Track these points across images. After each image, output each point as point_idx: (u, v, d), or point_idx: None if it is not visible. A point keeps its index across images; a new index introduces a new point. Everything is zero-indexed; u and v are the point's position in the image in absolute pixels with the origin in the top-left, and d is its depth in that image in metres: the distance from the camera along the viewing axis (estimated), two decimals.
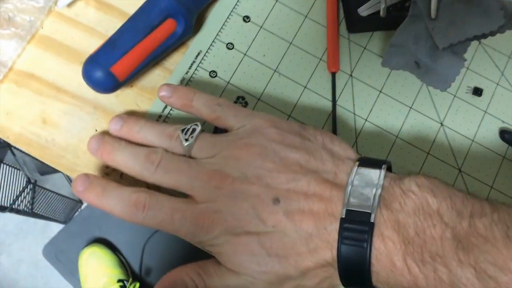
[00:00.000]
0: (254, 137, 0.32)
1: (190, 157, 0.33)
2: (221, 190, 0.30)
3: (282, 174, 0.30)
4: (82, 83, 0.38)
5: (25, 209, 1.24)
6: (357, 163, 0.31)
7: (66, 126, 0.38)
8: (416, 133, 0.40)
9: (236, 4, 0.41)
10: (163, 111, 0.38)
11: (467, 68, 0.41)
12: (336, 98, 0.40)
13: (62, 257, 1.38)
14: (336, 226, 0.28)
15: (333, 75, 0.40)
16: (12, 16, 0.39)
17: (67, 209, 1.44)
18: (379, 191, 0.28)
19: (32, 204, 1.27)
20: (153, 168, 0.32)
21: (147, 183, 0.33)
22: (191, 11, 0.38)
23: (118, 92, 0.38)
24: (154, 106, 0.38)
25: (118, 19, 0.40)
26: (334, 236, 0.28)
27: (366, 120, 0.40)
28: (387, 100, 0.40)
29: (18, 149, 1.22)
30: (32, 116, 0.38)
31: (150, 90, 0.39)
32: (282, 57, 0.40)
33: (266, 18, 0.41)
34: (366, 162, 0.31)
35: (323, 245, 0.28)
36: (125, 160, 0.33)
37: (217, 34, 0.40)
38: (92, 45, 0.39)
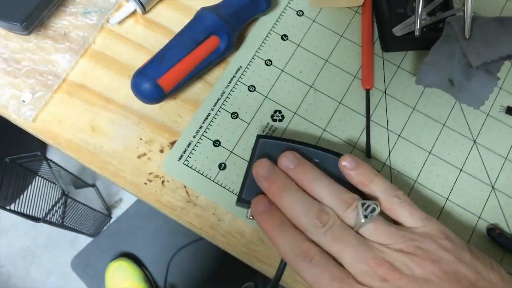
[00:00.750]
0: (427, 243, 0.31)
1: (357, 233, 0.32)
2: (387, 282, 0.29)
3: (452, 286, 0.29)
4: (129, 94, 0.40)
5: (57, 220, 1.28)
6: None
7: (113, 134, 0.40)
8: (449, 149, 0.40)
9: (275, 24, 0.43)
10: (203, 122, 0.40)
11: (500, 88, 0.42)
12: (370, 114, 0.41)
13: (89, 270, 1.41)
14: None
15: (367, 92, 0.41)
16: (68, 32, 0.42)
17: (97, 223, 1.47)
18: None
19: (63, 216, 1.31)
20: (322, 230, 0.31)
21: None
22: (234, 29, 0.40)
23: (162, 103, 0.41)
24: (195, 117, 0.40)
25: (165, 36, 0.43)
26: None
27: (399, 136, 0.41)
28: (420, 117, 0.41)
29: (54, 162, 1.27)
30: (82, 124, 0.40)
31: (192, 102, 0.41)
32: (318, 74, 0.42)
33: (303, 37, 0.43)
34: None
35: None
36: (293, 205, 0.33)
37: (256, 51, 0.43)
38: (140, 59, 0.41)
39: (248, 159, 0.39)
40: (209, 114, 0.40)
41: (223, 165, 0.39)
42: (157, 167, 0.39)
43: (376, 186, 0.34)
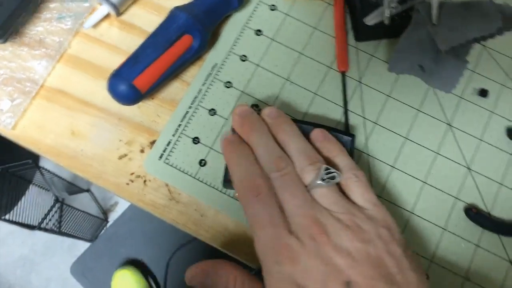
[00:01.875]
0: (367, 224, 0.31)
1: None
2: (314, 241, 0.30)
3: (370, 268, 0.29)
4: (106, 97, 0.41)
5: (53, 227, 1.28)
6: None
7: (93, 137, 0.41)
8: (425, 134, 0.41)
9: (248, 19, 0.44)
10: (182, 120, 0.41)
11: (473, 71, 0.43)
12: (347, 101, 0.42)
13: (89, 274, 1.41)
14: None
15: (343, 75, 0.42)
16: (43, 38, 0.43)
17: (94, 228, 1.47)
18: None
19: (59, 222, 1.31)
20: (276, 174, 0.32)
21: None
22: (207, 27, 0.41)
23: (140, 104, 0.41)
24: (173, 116, 0.41)
25: (140, 37, 0.43)
26: None
27: (375, 123, 0.41)
28: (396, 103, 0.42)
29: (46, 170, 1.27)
30: (62, 129, 0.41)
31: (169, 101, 0.42)
32: (293, 67, 0.43)
33: (277, 31, 0.44)
34: None
35: None
36: (259, 145, 0.34)
37: (231, 48, 0.43)
38: (116, 62, 0.42)
39: None
40: (187, 112, 0.41)
41: (203, 161, 0.40)
42: (138, 167, 0.40)
43: (339, 160, 0.35)
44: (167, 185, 0.40)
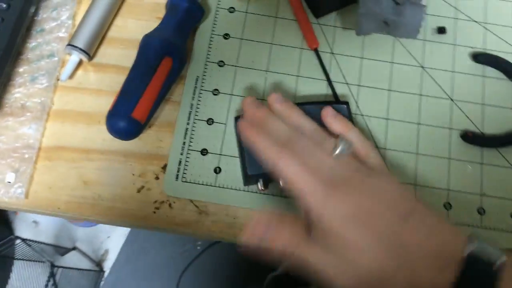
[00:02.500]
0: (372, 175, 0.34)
1: None
2: (331, 197, 0.31)
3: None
4: (105, 138, 0.42)
5: None
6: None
7: (106, 180, 0.41)
8: (404, 81, 0.44)
9: (213, 27, 0.46)
10: (184, 137, 0.42)
11: (427, 14, 0.47)
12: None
13: None
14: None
15: (316, 51, 0.45)
16: (24, 103, 0.43)
17: (93, 282, 1.44)
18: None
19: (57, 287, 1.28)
20: (299, 137, 0.35)
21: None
22: (181, 45, 0.42)
23: (140, 135, 0.42)
24: (175, 136, 0.42)
25: (118, 74, 0.44)
26: None
27: (359, 85, 0.44)
28: (370, 63, 0.45)
29: (31, 240, 1.23)
30: (73, 183, 0.41)
31: (166, 124, 0.43)
32: (269, 58, 0.45)
33: (242, 30, 0.46)
34: None
35: None
36: (275, 129, 0.35)
37: (207, 57, 0.45)
38: (103, 103, 0.43)
39: (236, 152, 0.42)
40: (186, 129, 0.42)
41: (218, 169, 0.41)
42: (159, 193, 0.41)
43: (352, 134, 0.37)
44: (192, 201, 0.41)
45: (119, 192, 0.41)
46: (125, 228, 1.47)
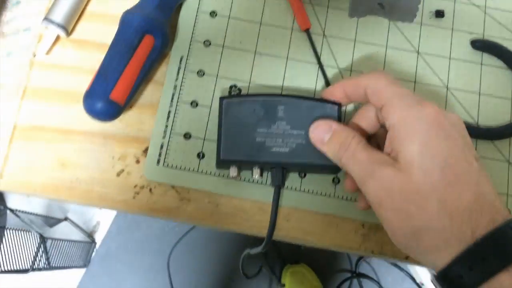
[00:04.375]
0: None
1: None
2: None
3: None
4: (85, 119, 0.40)
5: (45, 265, 1.25)
6: None
7: (84, 162, 0.40)
8: (398, 67, 0.43)
9: (199, 4, 0.43)
10: (167, 120, 0.40)
11: None
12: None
13: None
14: None
15: (308, 32, 0.43)
16: None
17: (84, 253, 1.45)
18: None
19: (48, 259, 1.28)
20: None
21: None
22: (163, 22, 0.40)
23: (121, 116, 0.40)
24: (157, 119, 0.40)
25: (98, 51, 0.42)
26: None
27: (351, 71, 0.42)
28: (364, 47, 0.43)
29: (20, 211, 1.22)
30: (50, 164, 0.40)
31: (148, 106, 0.41)
32: (258, 38, 0.43)
33: (231, 7, 0.44)
34: None
35: None
36: None
37: (192, 36, 0.43)
38: (82, 81, 0.40)
39: None
40: (169, 112, 0.41)
41: (201, 154, 0.40)
42: (140, 177, 0.40)
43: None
44: (173, 187, 0.40)
45: (98, 175, 0.40)
46: None
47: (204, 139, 0.40)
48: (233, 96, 0.40)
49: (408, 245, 0.31)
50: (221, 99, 0.38)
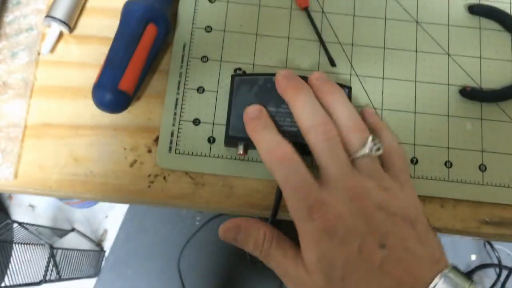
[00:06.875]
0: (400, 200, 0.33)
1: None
2: (355, 204, 0.31)
3: (405, 235, 0.31)
4: (94, 113, 0.40)
5: (56, 277, 1.25)
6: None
7: (97, 156, 0.40)
8: (399, 38, 0.43)
9: None
10: (175, 108, 0.41)
11: None
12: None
13: None
14: None
15: (307, 10, 0.43)
16: (6, 80, 0.41)
17: (93, 262, 1.45)
18: None
19: (58, 269, 1.28)
20: (321, 137, 0.33)
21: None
22: (165, 10, 0.40)
23: (129, 107, 0.41)
24: (165, 108, 0.41)
25: (101, 45, 0.42)
26: None
27: (352, 45, 0.43)
28: (363, 20, 0.43)
29: (28, 224, 1.22)
30: (63, 160, 0.40)
31: (155, 95, 0.41)
32: (258, 20, 0.43)
33: None
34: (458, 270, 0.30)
35: None
36: (304, 105, 0.35)
37: (193, 23, 0.43)
38: (88, 77, 0.41)
39: None
40: (177, 99, 0.41)
41: (211, 138, 0.40)
42: (153, 166, 0.40)
43: (384, 134, 0.37)
44: (187, 173, 0.40)
45: (111, 167, 0.40)
46: (122, 207, 1.47)
47: (213, 124, 0.40)
48: (245, 75, 0.40)
49: None
50: (233, 76, 0.39)
